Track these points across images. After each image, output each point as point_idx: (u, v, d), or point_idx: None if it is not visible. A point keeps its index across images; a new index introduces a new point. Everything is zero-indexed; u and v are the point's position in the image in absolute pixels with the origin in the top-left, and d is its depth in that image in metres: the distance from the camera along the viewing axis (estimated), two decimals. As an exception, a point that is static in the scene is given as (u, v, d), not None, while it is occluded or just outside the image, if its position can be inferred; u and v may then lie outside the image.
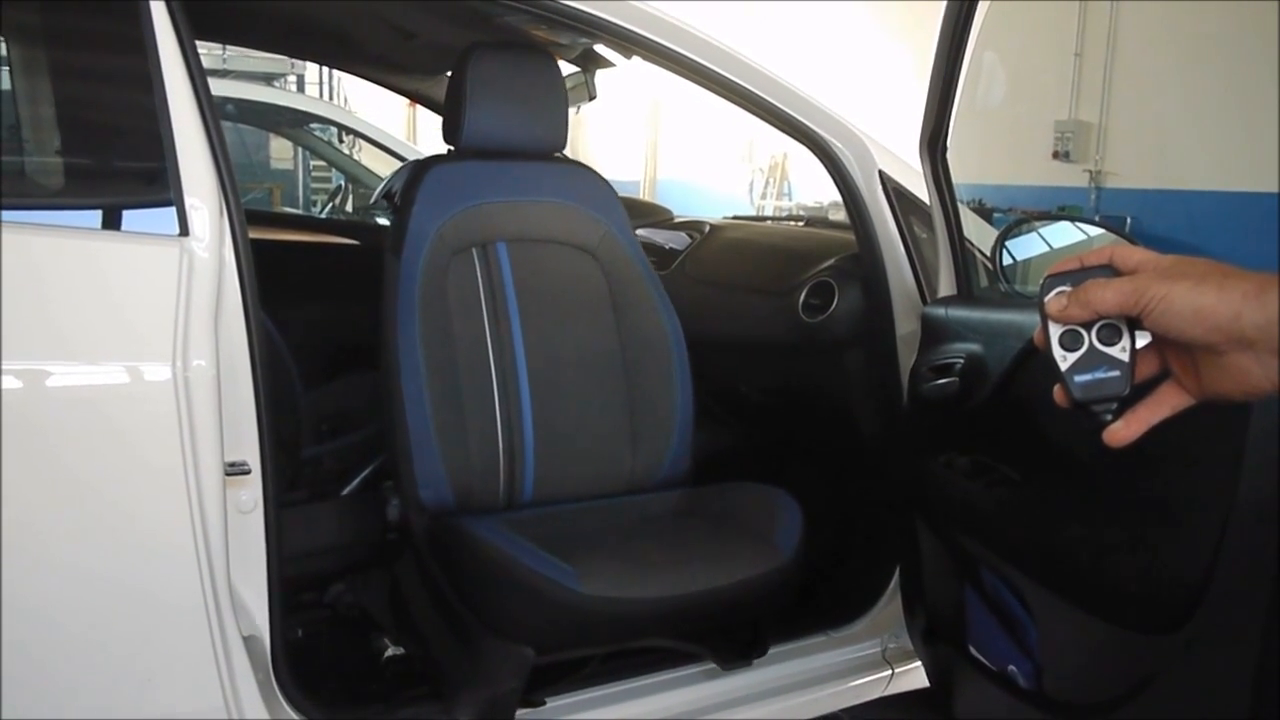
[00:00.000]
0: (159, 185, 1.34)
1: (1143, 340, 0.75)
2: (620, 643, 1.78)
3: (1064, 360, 0.76)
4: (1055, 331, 0.76)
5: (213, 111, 1.38)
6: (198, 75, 1.37)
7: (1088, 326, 0.75)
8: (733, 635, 1.85)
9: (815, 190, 8.58)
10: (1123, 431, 0.75)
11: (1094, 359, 0.75)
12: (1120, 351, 0.74)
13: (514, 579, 1.56)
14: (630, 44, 1.79)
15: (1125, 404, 0.75)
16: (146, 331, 1.29)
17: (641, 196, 9.26)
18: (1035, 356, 1.37)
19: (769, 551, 1.70)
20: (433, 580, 1.78)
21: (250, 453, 1.42)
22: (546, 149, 2.00)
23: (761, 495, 1.85)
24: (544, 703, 1.71)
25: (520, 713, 1.68)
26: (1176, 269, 0.72)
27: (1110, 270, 0.75)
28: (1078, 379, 0.75)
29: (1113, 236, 1.96)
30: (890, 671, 2.07)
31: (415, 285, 1.82)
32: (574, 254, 2.01)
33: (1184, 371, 0.75)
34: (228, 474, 1.38)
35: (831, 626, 2.05)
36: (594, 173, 2.06)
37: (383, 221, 4.57)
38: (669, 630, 1.77)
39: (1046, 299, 0.76)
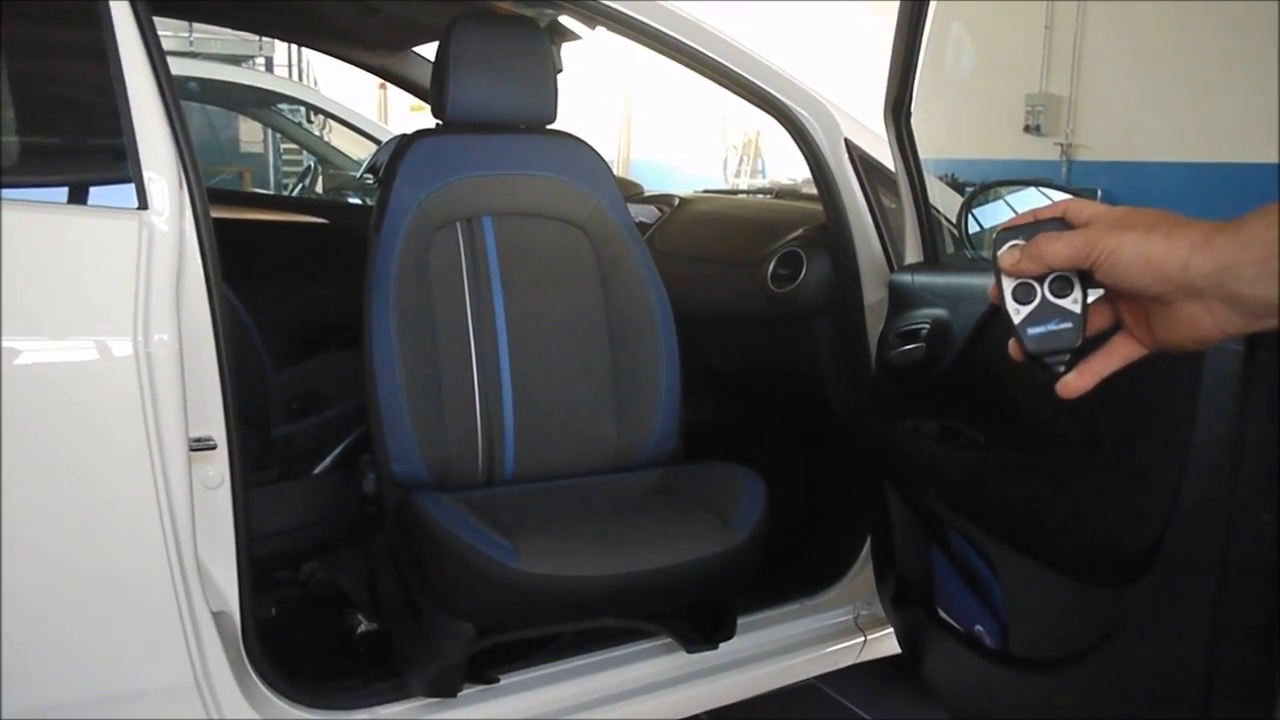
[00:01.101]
0: (117, 160, 1.33)
1: (1095, 294, 0.75)
2: (567, 622, 1.76)
3: (1017, 314, 0.76)
4: (1008, 286, 0.76)
5: (171, 86, 1.37)
6: (155, 50, 1.35)
7: (1040, 280, 0.76)
8: (697, 616, 1.83)
9: (789, 167, 8.58)
10: (1075, 383, 0.76)
11: (1046, 312, 0.75)
12: (1072, 304, 0.75)
13: (453, 554, 1.55)
14: (594, 14, 1.78)
15: (1078, 356, 0.76)
16: (107, 306, 1.28)
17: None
18: (998, 319, 1.38)
19: (723, 532, 1.67)
20: (395, 555, 1.78)
21: (216, 428, 1.41)
22: (535, 121, 1.96)
23: (726, 475, 1.83)
24: (498, 680, 1.71)
25: (474, 690, 1.69)
26: (1126, 220, 0.73)
27: (1062, 224, 0.76)
28: (1030, 332, 0.76)
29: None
30: (863, 638, 2.08)
31: (393, 259, 1.81)
32: (562, 228, 1.98)
33: (1136, 322, 0.75)
34: (193, 449, 1.37)
35: (804, 594, 2.06)
36: (586, 145, 2.02)
37: (354, 201, 4.55)
38: (616, 610, 1.74)
39: (999, 253, 0.77)
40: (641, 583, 1.62)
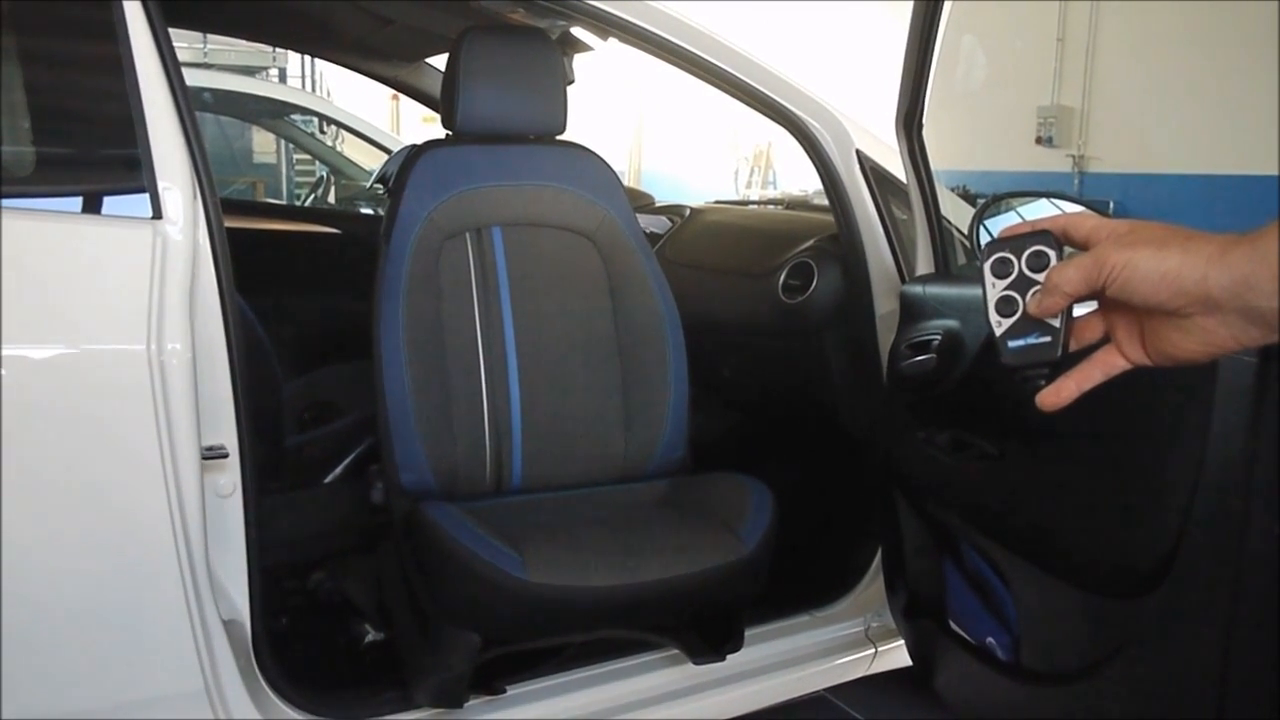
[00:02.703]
0: (132, 170, 1.34)
1: (1084, 308, 0.75)
2: (574, 633, 1.76)
3: (999, 326, 0.76)
4: (992, 297, 0.76)
5: (186, 97, 1.38)
6: (170, 61, 1.36)
7: (1022, 293, 0.75)
8: (705, 628, 1.82)
9: (800, 179, 8.58)
10: (1051, 398, 0.75)
11: (1027, 325, 0.75)
12: (1052, 318, 0.74)
13: (460, 565, 1.55)
14: (606, 25, 1.79)
15: (1061, 368, 0.75)
16: (120, 314, 1.29)
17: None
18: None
19: (732, 543, 1.66)
20: (403, 565, 1.78)
21: (228, 437, 1.42)
22: (545, 132, 1.96)
23: (734, 485, 1.82)
24: (505, 691, 1.71)
25: (481, 701, 1.69)
26: (1134, 235, 0.72)
27: (1050, 238, 0.75)
28: (1011, 344, 0.75)
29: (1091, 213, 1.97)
30: (874, 650, 2.07)
31: (402, 269, 1.81)
32: (571, 239, 1.98)
33: (1126, 337, 0.74)
34: (205, 458, 1.37)
35: (815, 606, 2.06)
36: (595, 156, 2.02)
37: (366, 211, 4.57)
38: (624, 621, 1.73)
39: (985, 265, 0.77)
40: (648, 594, 1.61)
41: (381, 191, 2.51)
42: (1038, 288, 0.74)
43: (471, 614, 1.59)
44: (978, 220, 1.85)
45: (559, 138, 1.99)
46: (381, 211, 3.93)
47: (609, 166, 2.04)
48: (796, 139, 1.95)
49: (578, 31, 2.38)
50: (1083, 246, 0.75)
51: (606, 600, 1.60)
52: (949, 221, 1.86)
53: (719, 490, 1.84)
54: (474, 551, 1.55)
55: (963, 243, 1.90)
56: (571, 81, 2.53)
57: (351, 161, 5.06)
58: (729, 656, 1.80)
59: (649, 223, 2.75)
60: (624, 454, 1.96)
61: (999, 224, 1.91)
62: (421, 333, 1.81)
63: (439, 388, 1.83)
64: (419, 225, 1.84)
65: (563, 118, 1.95)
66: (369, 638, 1.93)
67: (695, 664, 1.79)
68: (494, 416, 1.89)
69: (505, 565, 1.53)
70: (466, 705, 1.65)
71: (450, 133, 1.93)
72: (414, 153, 1.91)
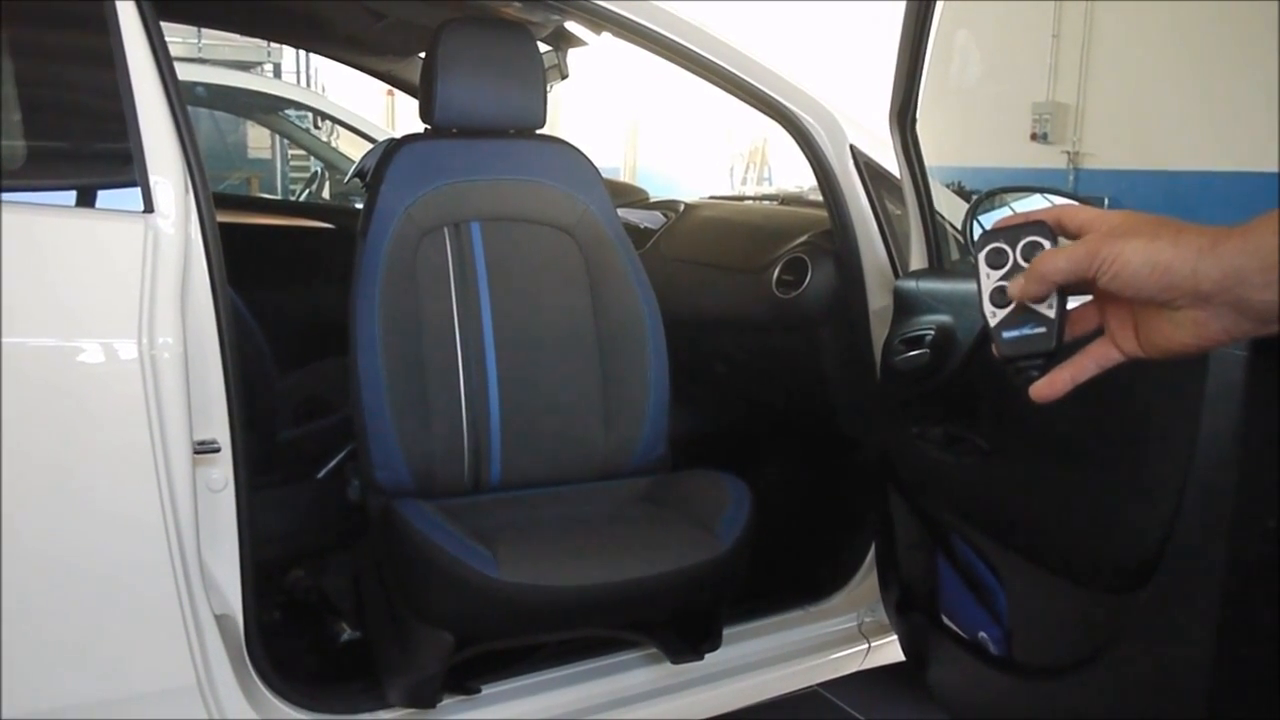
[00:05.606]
0: (123, 163, 1.33)
1: (1078, 300, 0.75)
2: (548, 632, 1.74)
3: (993, 316, 0.76)
4: (986, 288, 0.76)
5: (177, 90, 1.37)
6: (162, 54, 1.36)
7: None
8: (684, 626, 1.80)
9: (796, 175, 8.57)
10: (1044, 389, 0.75)
11: (1021, 316, 0.75)
12: (1047, 309, 0.74)
13: (432, 563, 1.54)
14: (599, 19, 1.79)
15: (1054, 360, 0.75)
16: (112, 308, 1.29)
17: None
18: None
19: (708, 542, 1.65)
20: (378, 564, 1.76)
21: (220, 431, 1.41)
22: (524, 125, 1.95)
23: (712, 483, 1.81)
24: (479, 690, 1.69)
25: (455, 700, 1.68)
26: (1126, 226, 0.72)
27: (1045, 228, 0.75)
28: (1005, 335, 0.75)
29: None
30: (867, 645, 2.07)
31: (378, 264, 1.79)
32: (550, 233, 1.96)
33: (1120, 329, 0.74)
34: (197, 452, 1.37)
35: (808, 601, 2.06)
36: (575, 150, 2.01)
37: (360, 206, 4.57)
38: (599, 620, 1.72)
39: (980, 255, 0.77)
40: (622, 592, 1.60)
41: (361, 186, 2.50)
42: None
43: (443, 612, 1.58)
44: (972, 215, 1.84)
45: (538, 131, 1.97)
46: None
47: (589, 160, 2.02)
48: (790, 134, 1.94)
49: (572, 26, 2.37)
50: (1077, 237, 0.75)
51: (579, 599, 1.59)
52: (943, 216, 1.86)
53: (697, 488, 1.83)
54: (445, 549, 1.53)
55: (956, 238, 1.90)
56: (566, 76, 2.53)
57: (346, 157, 5.05)
58: (717, 652, 1.79)
59: (644, 218, 2.75)
60: (604, 451, 1.95)
61: (993, 219, 1.90)
62: (398, 329, 1.80)
63: (416, 385, 1.81)
64: (396, 220, 1.83)
65: (542, 111, 1.93)
66: (345, 636, 1.92)
67: (673, 663, 1.77)
68: (472, 414, 1.86)
69: (476, 563, 1.52)
70: (440, 705, 1.63)
71: (429, 127, 1.92)
72: (391, 147, 1.89)
